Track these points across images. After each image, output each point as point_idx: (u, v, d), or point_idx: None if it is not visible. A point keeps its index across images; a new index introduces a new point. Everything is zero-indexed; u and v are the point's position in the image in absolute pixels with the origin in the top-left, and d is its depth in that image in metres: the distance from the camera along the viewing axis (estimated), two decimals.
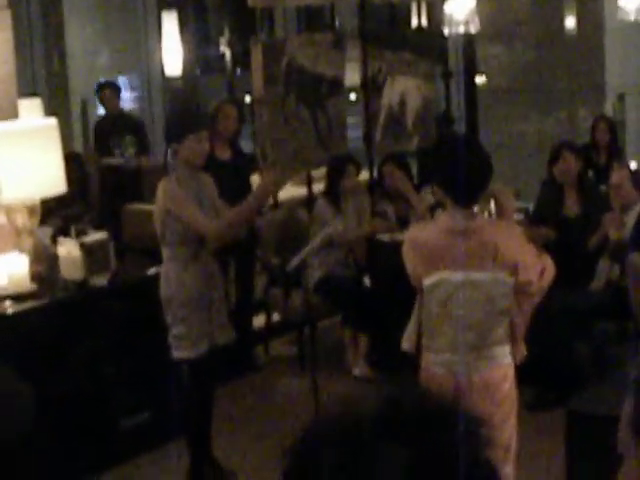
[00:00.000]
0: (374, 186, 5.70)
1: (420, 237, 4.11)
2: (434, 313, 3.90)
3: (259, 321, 6.06)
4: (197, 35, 5.85)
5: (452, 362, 3.74)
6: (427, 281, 3.91)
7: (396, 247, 4.82)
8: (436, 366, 3.74)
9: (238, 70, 8.09)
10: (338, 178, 5.88)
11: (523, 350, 3.85)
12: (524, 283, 3.91)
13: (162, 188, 4.40)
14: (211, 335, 4.53)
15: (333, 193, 5.90)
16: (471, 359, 3.74)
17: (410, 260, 4.02)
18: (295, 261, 4.93)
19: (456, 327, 3.89)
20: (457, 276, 3.90)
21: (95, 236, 5.42)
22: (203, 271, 4.52)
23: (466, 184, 3.82)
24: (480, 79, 7.98)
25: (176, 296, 4.47)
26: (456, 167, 3.84)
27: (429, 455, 1.03)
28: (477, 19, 6.47)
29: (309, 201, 5.86)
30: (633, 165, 5.78)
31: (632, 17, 7.02)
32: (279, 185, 4.89)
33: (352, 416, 1.06)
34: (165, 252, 4.52)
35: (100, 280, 5.21)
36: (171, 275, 4.47)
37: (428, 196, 5.29)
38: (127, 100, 10.13)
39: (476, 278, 3.92)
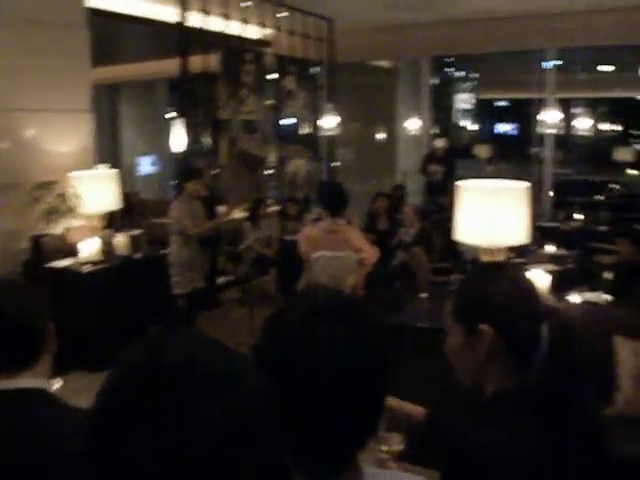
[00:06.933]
0: (282, 214, 9.96)
1: (310, 232, 5.70)
2: (316, 272, 5.38)
3: (221, 279, 9.30)
4: (190, 134, 9.25)
5: None
6: (313, 256, 5.48)
7: (295, 242, 6.22)
8: None
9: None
10: (257, 210, 9.30)
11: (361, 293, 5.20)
12: (363, 258, 5.51)
13: (175, 206, 6.83)
14: (193, 282, 6.89)
15: (254, 218, 9.26)
16: None
17: (303, 245, 5.61)
18: (242, 246, 8.99)
19: (327, 279, 5.17)
20: (329, 253, 5.42)
21: (135, 232, 7.53)
22: (191, 250, 6.85)
23: (333, 205, 5.53)
24: (335, 163, 10.85)
25: (178, 261, 6.81)
26: (328, 196, 5.65)
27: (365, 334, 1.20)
28: (336, 131, 10.04)
29: (250, 218, 9.63)
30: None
31: (411, 132, 11.84)
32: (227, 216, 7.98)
33: (312, 304, 1.23)
34: (173, 238, 6.83)
35: (137, 255, 7.17)
36: (176, 251, 6.82)
37: (314, 213, 9.57)
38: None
39: (338, 255, 5.42)
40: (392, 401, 1.98)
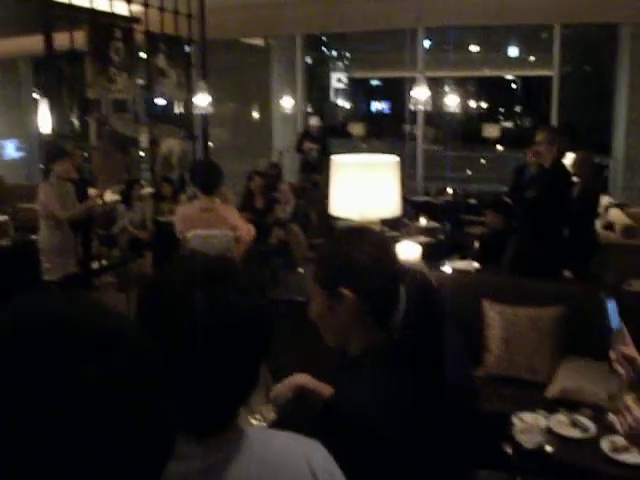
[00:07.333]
0: (156, 195, 9.87)
1: (185, 212, 6.02)
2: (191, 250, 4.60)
3: (95, 264, 9.06)
4: (57, 115, 9.01)
5: None
6: (188, 235, 5.73)
7: (170, 223, 6.68)
8: None
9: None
10: (131, 191, 9.45)
11: None
12: (239, 236, 5.81)
13: (42, 189, 6.95)
14: (66, 267, 7.06)
15: (127, 200, 9.46)
16: None
17: (179, 225, 5.89)
18: (116, 229, 9.05)
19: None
20: (204, 232, 5.68)
21: (0, 218, 8.58)
22: (62, 234, 7.00)
23: (207, 183, 5.76)
24: (210, 142, 10.71)
25: (48, 247, 6.96)
26: (202, 175, 5.87)
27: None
28: (210, 110, 10.12)
29: (123, 200, 9.73)
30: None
31: (287, 111, 12.01)
32: (99, 199, 8.26)
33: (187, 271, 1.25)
34: (43, 223, 6.93)
35: (4, 242, 7.99)
36: (46, 236, 6.95)
37: (189, 193, 9.58)
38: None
39: (214, 233, 5.71)
40: (307, 380, 1.96)
